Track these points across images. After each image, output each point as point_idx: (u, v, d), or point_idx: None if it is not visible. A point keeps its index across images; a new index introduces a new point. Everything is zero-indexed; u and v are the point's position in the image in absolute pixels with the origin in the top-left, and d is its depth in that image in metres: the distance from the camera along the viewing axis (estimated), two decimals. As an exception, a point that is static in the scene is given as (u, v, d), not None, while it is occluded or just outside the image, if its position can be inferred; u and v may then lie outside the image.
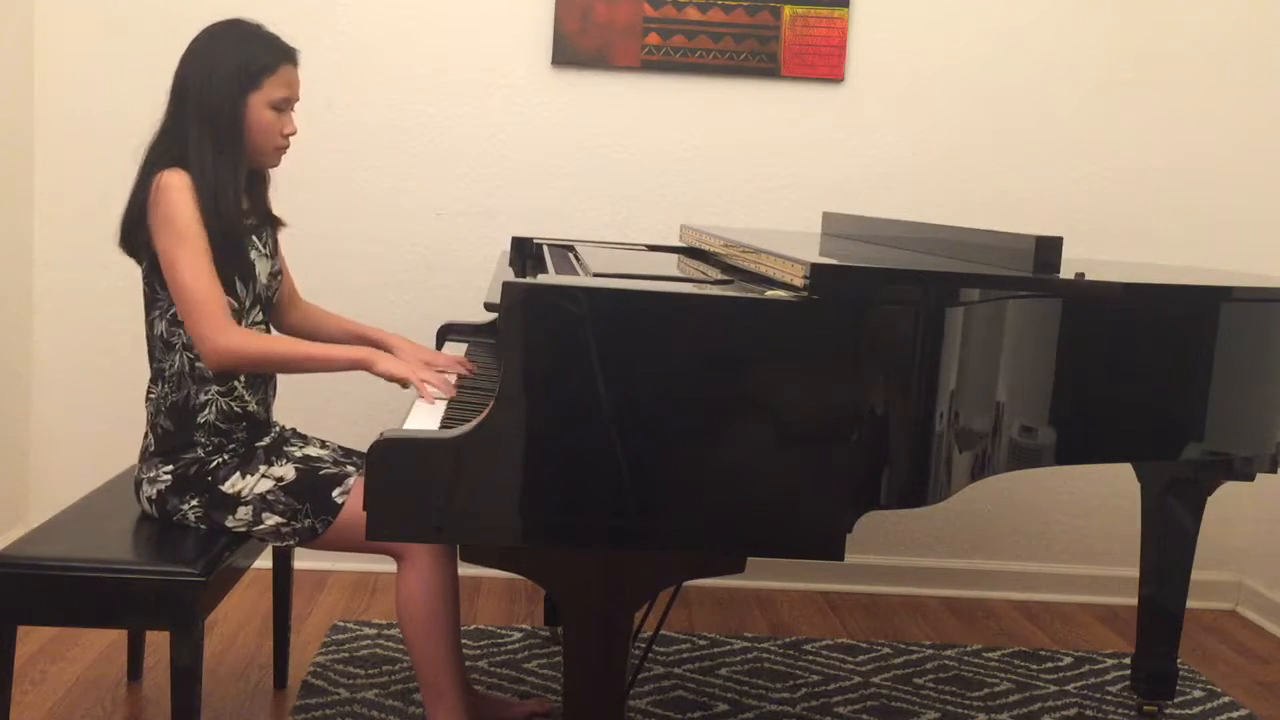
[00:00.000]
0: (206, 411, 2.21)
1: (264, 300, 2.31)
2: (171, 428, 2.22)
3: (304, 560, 3.05)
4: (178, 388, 2.22)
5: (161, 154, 2.19)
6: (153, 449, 2.23)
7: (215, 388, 2.22)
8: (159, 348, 2.24)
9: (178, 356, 2.21)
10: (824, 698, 2.80)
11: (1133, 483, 2.81)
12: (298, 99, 2.30)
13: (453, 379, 2.22)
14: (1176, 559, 2.73)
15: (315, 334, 2.48)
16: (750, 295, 1.77)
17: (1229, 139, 3.54)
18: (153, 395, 2.25)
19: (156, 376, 2.25)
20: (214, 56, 2.21)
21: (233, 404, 2.24)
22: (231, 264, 2.21)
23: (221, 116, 2.19)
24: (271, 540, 2.25)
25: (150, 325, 2.24)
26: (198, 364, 2.21)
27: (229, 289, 2.19)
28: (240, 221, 2.24)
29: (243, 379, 2.25)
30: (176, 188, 2.12)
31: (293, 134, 2.28)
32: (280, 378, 2.41)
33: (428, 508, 1.70)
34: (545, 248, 2.72)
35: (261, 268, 2.29)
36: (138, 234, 2.19)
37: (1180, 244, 3.53)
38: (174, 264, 2.12)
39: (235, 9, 3.29)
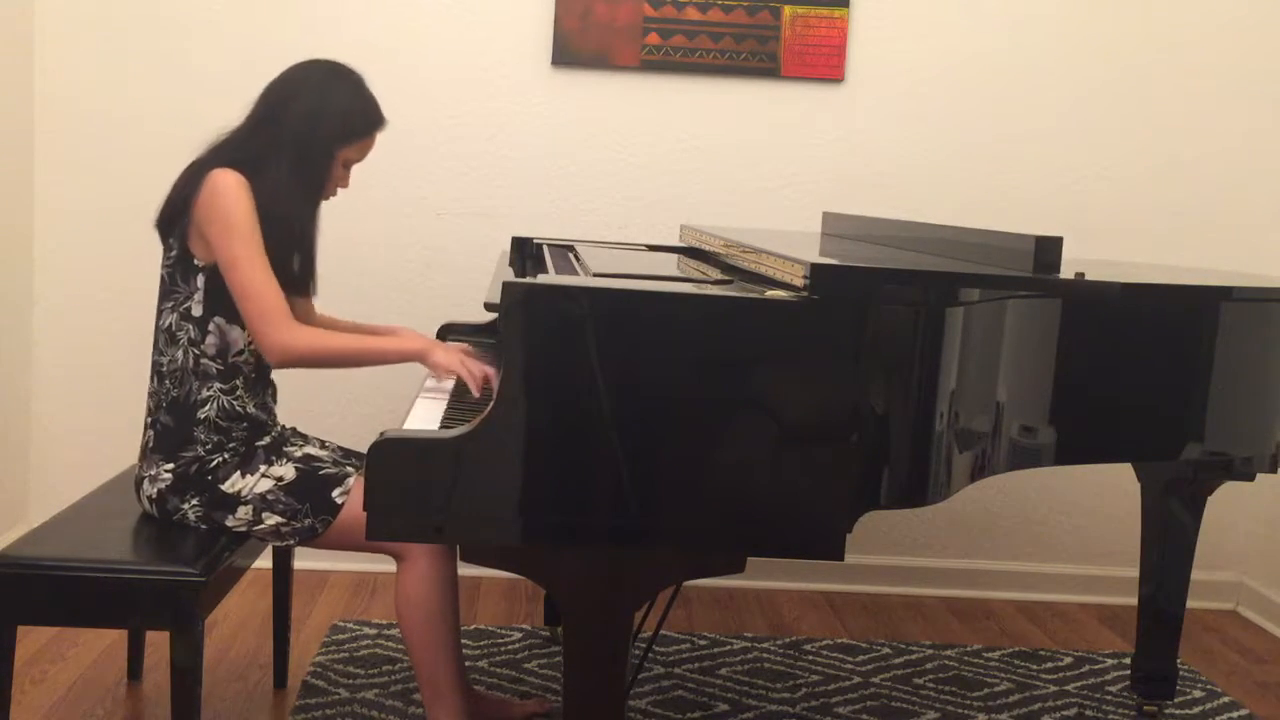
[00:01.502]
0: (207, 408, 2.21)
1: None
2: (171, 424, 2.22)
3: (304, 560, 3.05)
4: (179, 383, 2.22)
5: (227, 156, 2.21)
6: (152, 446, 2.24)
7: (218, 385, 2.22)
8: (163, 340, 2.24)
9: (181, 351, 2.22)
10: (824, 698, 2.80)
11: (1133, 483, 2.81)
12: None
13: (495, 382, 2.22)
14: (1176, 559, 2.73)
15: None
16: (750, 295, 1.77)
17: (1228, 139, 3.54)
18: (153, 391, 2.26)
19: (155, 371, 2.25)
20: (326, 98, 2.25)
21: (234, 403, 2.24)
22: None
23: (314, 155, 2.25)
24: (271, 540, 2.26)
25: (159, 315, 2.25)
26: (202, 360, 2.21)
27: None
28: (307, 251, 2.31)
29: (241, 379, 2.25)
30: (236, 187, 2.14)
31: (344, 188, 2.35)
32: (280, 380, 2.41)
33: (428, 508, 1.70)
34: (545, 248, 2.72)
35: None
36: (176, 221, 2.20)
37: (1179, 244, 3.53)
38: (235, 263, 2.13)
39: (236, 9, 3.31)
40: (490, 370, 2.22)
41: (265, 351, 2.17)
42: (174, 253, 2.22)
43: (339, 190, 2.35)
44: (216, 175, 2.15)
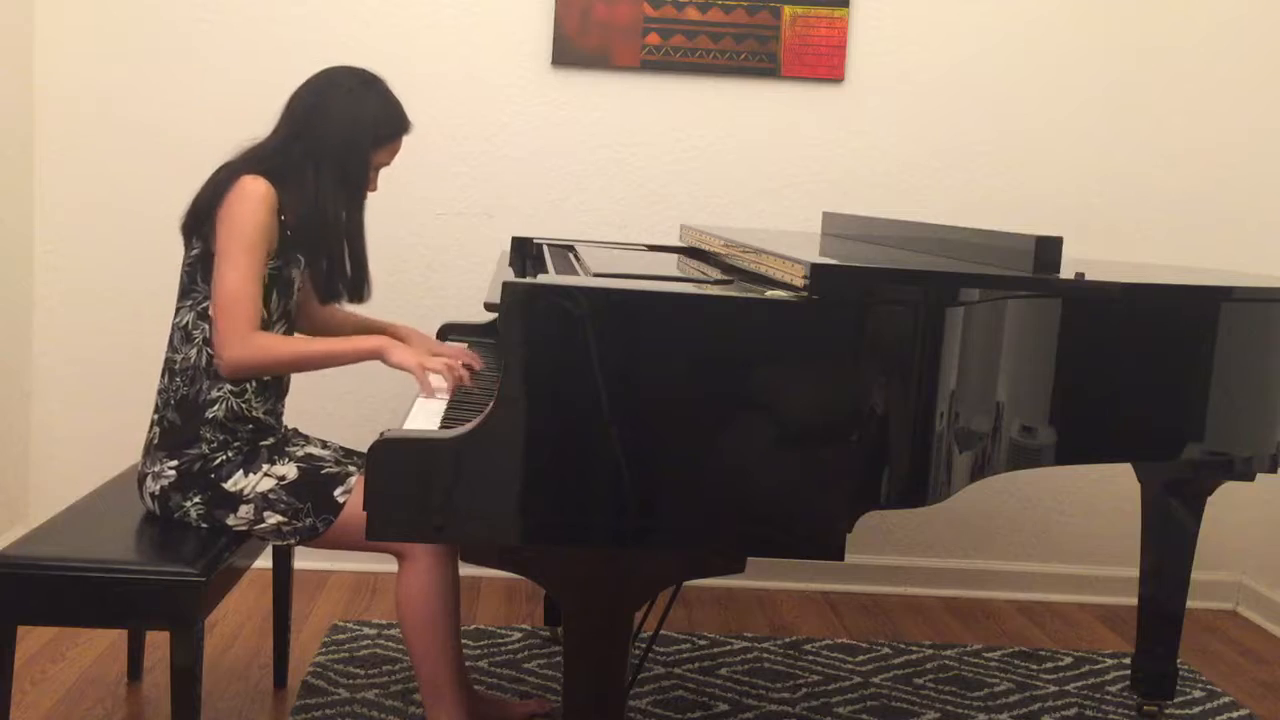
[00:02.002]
0: (216, 408, 2.22)
1: (289, 313, 2.33)
2: (178, 421, 2.22)
3: (304, 560, 3.05)
4: (190, 382, 2.22)
5: (259, 164, 2.22)
6: (156, 442, 2.24)
7: (229, 386, 2.23)
8: (178, 337, 2.25)
9: (195, 350, 2.22)
10: (824, 698, 2.80)
11: (1133, 483, 2.81)
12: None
13: (464, 375, 2.23)
14: (1176, 559, 2.73)
15: (327, 329, 2.50)
16: (750, 295, 1.77)
17: (1228, 139, 3.54)
18: (162, 388, 2.26)
19: (167, 369, 2.26)
20: (359, 107, 2.28)
21: (243, 405, 2.24)
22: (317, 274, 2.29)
23: (354, 163, 2.27)
24: (272, 539, 2.26)
25: (176, 313, 2.26)
26: (215, 360, 2.21)
27: (265, 302, 2.22)
28: (358, 255, 2.33)
29: (253, 384, 2.25)
30: (262, 197, 2.17)
31: (373, 192, 2.36)
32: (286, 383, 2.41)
33: (428, 507, 1.70)
34: (545, 248, 2.72)
35: (297, 282, 2.32)
36: (201, 222, 2.21)
37: (1179, 243, 3.53)
38: (225, 264, 2.15)
39: (235, 9, 3.31)
40: (450, 361, 2.24)
41: (218, 355, 2.17)
42: (195, 252, 2.23)
43: (368, 195, 2.37)
44: (247, 181, 2.17)
